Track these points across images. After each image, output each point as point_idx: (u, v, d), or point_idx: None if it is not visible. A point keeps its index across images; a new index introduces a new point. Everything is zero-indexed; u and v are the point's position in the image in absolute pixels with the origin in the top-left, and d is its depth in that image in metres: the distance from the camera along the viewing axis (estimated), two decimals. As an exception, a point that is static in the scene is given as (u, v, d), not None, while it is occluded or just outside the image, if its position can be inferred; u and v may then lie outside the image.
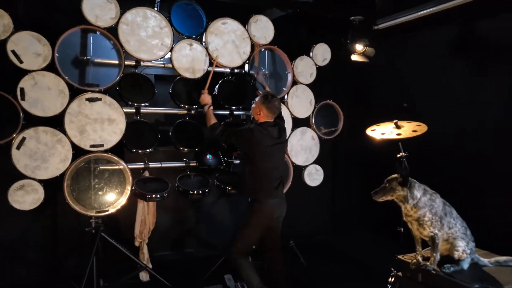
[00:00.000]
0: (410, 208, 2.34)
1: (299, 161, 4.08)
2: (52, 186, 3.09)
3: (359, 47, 4.30)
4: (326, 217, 5.20)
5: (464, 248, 2.31)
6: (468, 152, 3.74)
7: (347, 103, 4.46)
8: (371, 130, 3.32)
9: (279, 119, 3.11)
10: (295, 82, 4.01)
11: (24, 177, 2.87)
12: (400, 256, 2.58)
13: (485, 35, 3.65)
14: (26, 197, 2.88)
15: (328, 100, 4.24)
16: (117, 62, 3.16)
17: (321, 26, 4.46)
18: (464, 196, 2.69)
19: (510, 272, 2.31)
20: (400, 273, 2.57)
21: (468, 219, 2.46)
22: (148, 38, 3.22)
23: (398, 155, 3.27)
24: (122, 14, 3.09)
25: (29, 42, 2.79)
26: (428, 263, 2.34)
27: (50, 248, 3.65)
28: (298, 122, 4.09)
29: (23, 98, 2.78)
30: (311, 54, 4.08)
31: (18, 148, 2.81)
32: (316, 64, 4.10)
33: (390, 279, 3.31)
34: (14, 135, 2.83)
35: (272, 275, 3.09)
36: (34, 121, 2.90)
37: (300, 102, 4.04)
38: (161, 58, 3.30)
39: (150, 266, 3.57)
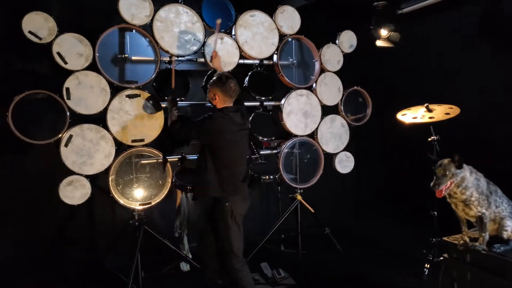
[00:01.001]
0: (459, 191, 2.29)
1: (329, 149, 4.13)
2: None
3: (383, 32, 4.29)
4: (352, 203, 5.24)
5: None
6: (500, 131, 3.71)
7: (374, 89, 4.46)
8: (402, 115, 3.34)
9: (240, 104, 2.84)
10: (322, 70, 4.05)
11: (72, 173, 3.01)
12: (445, 238, 2.53)
13: (510, 14, 3.61)
14: (75, 192, 3.01)
15: (356, 87, 4.26)
16: (153, 58, 3.25)
17: (346, 13, 4.46)
18: (502, 175, 2.64)
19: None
20: (446, 255, 2.52)
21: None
22: (181, 34, 3.30)
23: (430, 139, 3.30)
24: (156, 11, 3.17)
25: (72, 43, 2.91)
26: (477, 244, 2.28)
27: (90, 241, 3.78)
28: (327, 110, 4.14)
29: (68, 97, 2.91)
30: (337, 41, 4.11)
31: (66, 145, 2.94)
32: (342, 51, 4.13)
33: (426, 265, 3.35)
34: (62, 133, 2.96)
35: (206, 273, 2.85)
36: (79, 119, 3.03)
37: (328, 89, 4.07)
38: (194, 53, 3.38)
39: (190, 256, 3.67)
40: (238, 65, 3.62)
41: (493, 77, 3.77)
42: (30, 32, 2.80)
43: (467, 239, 2.38)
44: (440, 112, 3.16)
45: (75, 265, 3.64)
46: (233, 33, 3.56)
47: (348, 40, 4.16)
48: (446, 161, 2.31)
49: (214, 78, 2.66)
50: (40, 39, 2.83)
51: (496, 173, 2.49)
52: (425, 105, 3.23)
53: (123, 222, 3.61)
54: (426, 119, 3.16)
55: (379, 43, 4.37)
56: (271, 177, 3.63)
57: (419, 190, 3.38)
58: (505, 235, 2.27)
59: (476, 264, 2.31)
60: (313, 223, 4.24)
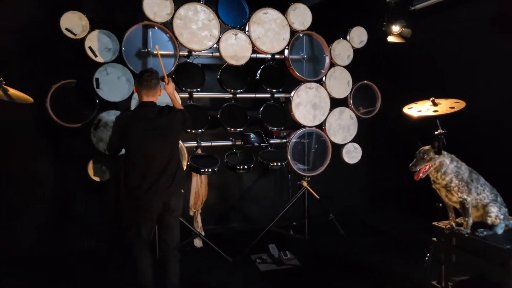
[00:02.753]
0: (439, 176, 2.48)
1: (337, 140, 4.33)
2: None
3: (395, 28, 4.42)
4: (363, 195, 5.40)
5: (497, 214, 2.40)
6: (508, 127, 3.79)
7: (384, 83, 4.60)
8: (408, 108, 3.48)
9: (178, 110, 2.73)
10: (332, 64, 4.24)
11: (100, 153, 3.40)
12: (435, 223, 2.72)
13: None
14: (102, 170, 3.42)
15: (365, 81, 4.43)
16: (172, 53, 3.58)
17: (357, 9, 4.60)
18: (503, 170, 2.75)
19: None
20: (434, 239, 2.71)
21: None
22: (199, 30, 3.61)
23: (436, 132, 3.42)
24: (176, 9, 3.50)
25: (102, 39, 3.29)
26: (461, 228, 2.46)
27: (114, 218, 4.13)
28: (336, 103, 4.33)
29: (98, 86, 3.30)
30: (348, 37, 4.28)
31: (95, 128, 3.34)
32: (353, 47, 4.30)
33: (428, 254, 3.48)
34: (92, 118, 3.37)
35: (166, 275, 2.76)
36: (106, 105, 3.42)
37: (338, 83, 4.27)
38: (209, 48, 3.69)
39: (203, 234, 4.02)
40: (251, 59, 3.89)
41: (506, 73, 3.81)
42: (66, 29, 3.20)
43: (453, 224, 2.56)
44: (445, 106, 3.25)
45: (99, 239, 4.06)
46: (246, 29, 3.83)
47: (358, 36, 4.32)
48: (427, 147, 2.52)
49: None
50: (75, 35, 3.23)
51: (496, 165, 2.59)
52: (431, 99, 3.36)
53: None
54: (430, 113, 3.29)
55: (391, 39, 4.50)
56: (279, 164, 3.90)
57: (429, 182, 3.51)
58: (489, 220, 2.42)
59: (461, 247, 2.50)
60: (322, 211, 4.45)
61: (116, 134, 2.61)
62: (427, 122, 3.44)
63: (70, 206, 4.04)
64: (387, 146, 5.38)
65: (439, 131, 3.37)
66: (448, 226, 2.56)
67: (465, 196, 2.43)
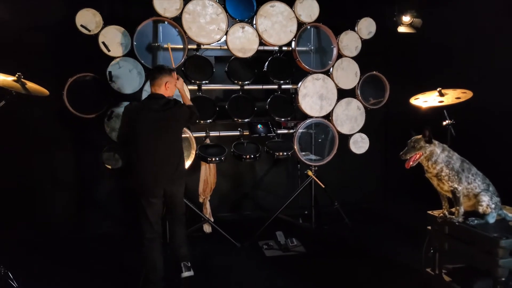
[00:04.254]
0: (430, 165, 2.53)
1: (344, 130, 4.38)
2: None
3: (406, 18, 4.40)
4: (377, 185, 5.41)
5: (488, 203, 2.44)
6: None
7: (395, 73, 4.58)
8: (415, 99, 3.50)
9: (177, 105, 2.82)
10: (340, 56, 4.27)
11: (113, 142, 3.61)
12: (429, 212, 2.77)
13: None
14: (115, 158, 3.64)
15: (374, 72, 4.43)
16: (182, 46, 3.72)
17: (365, 0, 4.59)
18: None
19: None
20: (429, 227, 2.77)
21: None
22: (207, 24, 3.73)
23: (444, 123, 3.42)
24: (185, 4, 3.63)
25: (114, 34, 3.48)
26: (453, 217, 2.52)
27: (130, 204, 4.33)
28: (344, 93, 4.37)
29: (111, 79, 3.49)
30: (356, 28, 4.29)
31: (108, 119, 3.55)
32: (361, 38, 4.30)
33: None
34: (105, 109, 3.57)
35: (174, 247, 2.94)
36: (119, 97, 3.61)
37: (345, 74, 4.30)
38: (217, 41, 3.81)
39: (212, 219, 4.19)
40: (259, 51, 3.99)
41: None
42: (81, 25, 3.40)
43: (446, 213, 2.62)
44: (452, 96, 3.25)
45: (116, 223, 4.32)
46: (253, 22, 3.92)
47: (367, 27, 4.32)
48: (418, 136, 2.57)
49: None
50: (89, 31, 3.43)
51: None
52: (438, 89, 3.35)
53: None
54: (436, 103, 3.28)
55: (401, 29, 4.48)
56: (284, 153, 4.00)
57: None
58: (480, 209, 2.47)
59: (452, 235, 2.56)
60: (330, 200, 4.54)
61: (123, 124, 2.81)
62: (438, 112, 3.44)
63: (89, 192, 4.32)
64: (400, 137, 5.33)
65: (447, 121, 3.40)
66: (441, 214, 2.63)
67: (455, 185, 2.48)
